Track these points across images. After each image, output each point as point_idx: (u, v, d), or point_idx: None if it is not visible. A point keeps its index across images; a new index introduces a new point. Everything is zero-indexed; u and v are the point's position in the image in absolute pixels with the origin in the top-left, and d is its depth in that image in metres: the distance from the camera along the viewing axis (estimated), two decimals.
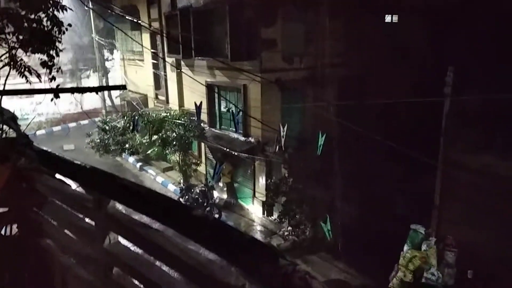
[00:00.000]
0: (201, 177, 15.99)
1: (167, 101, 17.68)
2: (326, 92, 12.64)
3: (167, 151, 15.75)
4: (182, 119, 14.93)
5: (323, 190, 11.38)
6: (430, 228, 9.97)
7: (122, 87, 4.15)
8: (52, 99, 2.86)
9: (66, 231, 2.65)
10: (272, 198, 12.49)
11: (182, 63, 15.73)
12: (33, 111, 16.66)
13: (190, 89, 15.79)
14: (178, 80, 16.49)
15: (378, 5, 12.86)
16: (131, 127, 14.33)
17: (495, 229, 8.60)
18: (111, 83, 23.88)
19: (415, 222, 9.82)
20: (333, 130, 10.72)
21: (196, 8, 13.78)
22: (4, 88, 3.21)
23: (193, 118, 15.12)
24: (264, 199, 13.12)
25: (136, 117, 13.74)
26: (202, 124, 14.79)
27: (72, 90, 3.38)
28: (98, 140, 15.97)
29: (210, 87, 14.43)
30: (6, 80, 3.19)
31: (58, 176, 2.67)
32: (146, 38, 18.26)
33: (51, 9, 3.33)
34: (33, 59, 4.17)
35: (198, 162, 16.05)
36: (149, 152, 16.44)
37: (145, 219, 1.99)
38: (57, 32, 3.35)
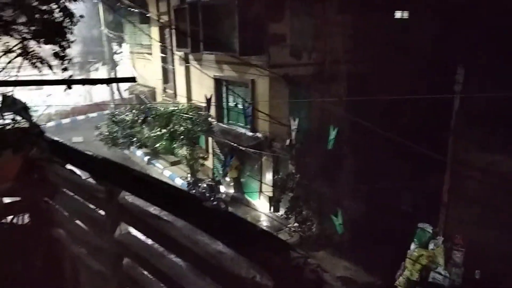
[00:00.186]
0: (208, 172, 16.03)
1: (175, 95, 17.72)
2: (335, 87, 12.57)
3: (174, 145, 15.79)
4: (190, 113, 14.96)
5: (331, 186, 11.36)
6: (438, 227, 9.91)
7: (132, 79, 4.16)
8: (65, 90, 2.88)
9: (77, 221, 2.67)
10: (279, 193, 12.48)
11: (191, 57, 15.73)
12: (47, 104, 16.79)
13: (198, 84, 15.81)
14: (186, 74, 16.50)
15: (388, 1, 12.73)
16: (140, 120, 14.39)
17: (504, 229, 8.51)
18: (119, 76, 23.97)
19: (423, 221, 9.78)
20: (341, 126, 10.67)
21: (205, 1, 13.75)
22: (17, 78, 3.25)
23: (201, 112, 15.14)
24: (271, 194, 13.12)
25: (147, 110, 13.77)
26: (209, 119, 14.80)
27: (83, 82, 3.41)
28: (107, 133, 16.06)
29: (218, 82, 14.43)
30: (18, 71, 3.22)
31: (69, 166, 2.69)
32: (155, 31, 18.28)
33: (62, 0, 3.35)
34: (43, 51, 4.20)
35: (206, 156, 16.08)
36: (157, 145, 16.50)
37: (155, 210, 2.00)
38: (69, 23, 3.37)
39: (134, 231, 2.22)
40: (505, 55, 8.78)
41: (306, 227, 11.67)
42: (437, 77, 9.88)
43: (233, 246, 1.68)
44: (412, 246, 9.65)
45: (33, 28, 3.21)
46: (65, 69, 3.27)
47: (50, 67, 3.27)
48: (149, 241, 2.13)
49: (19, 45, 3.20)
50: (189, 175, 15.30)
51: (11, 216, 2.91)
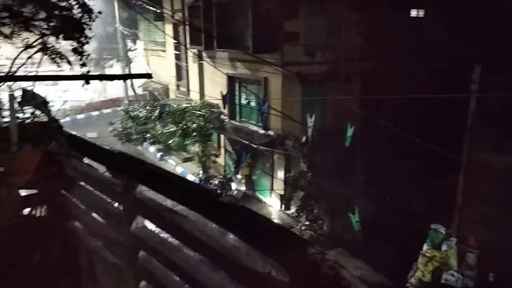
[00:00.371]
0: (220, 169, 16.09)
1: (188, 92, 17.80)
2: (348, 86, 12.49)
3: (187, 142, 15.89)
4: (203, 111, 15.02)
5: (344, 184, 11.29)
6: (451, 228, 9.78)
7: (148, 76, 4.20)
8: (83, 85, 2.93)
9: (93, 214, 2.71)
10: (290, 191, 12.46)
11: (204, 54, 15.78)
12: (63, 100, 17.05)
13: (211, 81, 15.85)
14: (200, 72, 16.56)
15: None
16: (155, 116, 14.50)
17: None
18: (133, 73, 24.18)
19: (436, 221, 9.66)
20: (356, 124, 10.59)
21: None
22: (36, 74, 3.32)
23: (214, 109, 15.19)
24: (282, 192, 13.11)
25: (162, 106, 13.87)
26: (222, 116, 14.85)
27: (100, 78, 3.45)
28: (121, 129, 16.24)
29: (231, 79, 14.45)
30: (38, 66, 3.28)
31: (86, 160, 2.73)
32: (169, 28, 18.37)
33: None
34: (61, 47, 4.27)
35: (218, 153, 16.14)
36: (169, 142, 16.62)
37: (171, 203, 2.02)
38: (87, 19, 3.41)
39: (150, 225, 2.24)
40: None
41: (317, 225, 11.63)
42: (453, 76, 9.74)
43: (249, 240, 1.68)
44: (425, 247, 9.54)
45: (52, 24, 3.26)
46: (83, 65, 3.32)
47: (69, 62, 3.32)
48: (165, 235, 2.15)
49: (39, 41, 3.26)
50: (201, 171, 15.38)
51: (29, 208, 2.96)
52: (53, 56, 3.28)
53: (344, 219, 10.53)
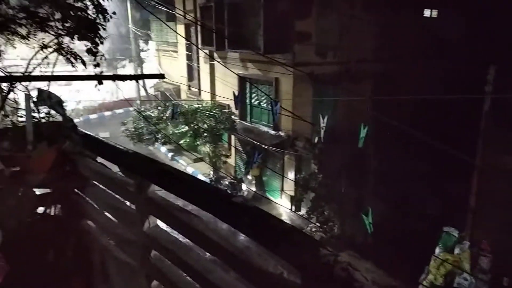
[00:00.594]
0: (231, 169, 16.11)
1: (199, 93, 17.88)
2: (360, 86, 12.40)
3: (198, 142, 15.95)
4: (214, 111, 15.07)
5: (355, 186, 11.22)
6: (464, 231, 9.65)
7: (161, 76, 4.23)
8: (96, 85, 2.96)
9: (106, 213, 2.74)
10: (301, 193, 12.42)
11: (215, 55, 15.83)
12: (76, 100, 17.29)
13: (222, 81, 15.89)
14: (211, 72, 16.63)
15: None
16: (166, 117, 14.58)
17: None
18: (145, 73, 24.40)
19: (449, 224, 9.53)
20: (368, 125, 10.51)
21: None
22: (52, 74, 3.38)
23: (224, 110, 15.22)
24: (292, 193, 13.08)
25: (175, 106, 13.94)
26: (232, 117, 14.87)
27: (113, 78, 3.49)
28: (133, 129, 16.38)
29: (242, 80, 14.47)
30: (54, 66, 3.33)
31: (99, 159, 2.76)
32: (180, 29, 18.48)
33: None
34: (74, 47, 4.34)
35: (228, 154, 16.17)
36: (181, 142, 16.70)
37: (183, 203, 2.02)
38: (102, 20, 3.46)
39: (162, 224, 2.26)
40: None
41: (328, 227, 11.57)
42: (467, 77, 9.61)
43: (261, 241, 1.67)
44: (437, 250, 9.43)
45: (67, 24, 3.31)
46: (97, 65, 3.36)
47: (84, 63, 3.36)
48: (177, 235, 2.16)
49: (54, 41, 3.31)
50: (211, 172, 15.42)
51: (43, 207, 3.00)
52: (68, 56, 3.34)
53: (355, 221, 10.45)
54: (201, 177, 16.29)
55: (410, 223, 9.91)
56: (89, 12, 3.49)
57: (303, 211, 12.62)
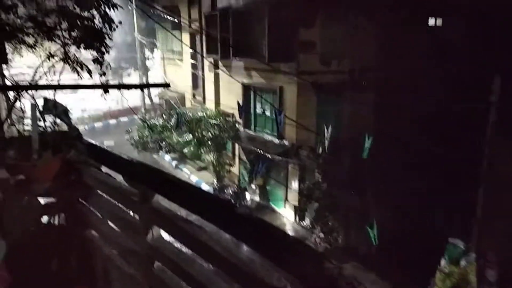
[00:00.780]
0: (234, 178, 16.10)
1: (204, 101, 17.96)
2: (364, 96, 12.39)
3: (202, 151, 15.99)
4: (218, 120, 15.11)
5: (359, 196, 11.14)
6: (470, 243, 9.53)
7: (166, 85, 4.26)
8: (101, 94, 2.98)
9: (110, 223, 2.73)
10: (305, 202, 12.36)
11: (220, 63, 15.93)
12: (81, 108, 17.45)
13: (226, 90, 15.96)
14: (215, 81, 16.72)
15: (421, 8, 12.47)
16: (171, 125, 14.65)
17: None
18: (151, 82, 24.58)
19: (455, 236, 9.42)
20: (372, 135, 10.48)
21: (236, 8, 13.92)
22: (58, 83, 3.41)
23: (229, 118, 15.26)
24: (296, 203, 13.02)
25: (180, 114, 14.02)
26: (236, 125, 14.90)
27: (119, 87, 3.51)
28: (137, 137, 16.45)
29: (246, 88, 14.53)
30: (60, 75, 3.36)
31: (104, 169, 2.76)
32: (186, 38, 18.63)
33: (102, 7, 3.49)
34: (81, 56, 4.39)
35: (232, 163, 16.17)
36: (185, 150, 16.74)
37: (187, 214, 2.02)
38: (108, 29, 3.49)
39: (165, 235, 2.24)
40: None
41: (332, 238, 11.48)
42: (472, 87, 9.58)
43: (265, 253, 1.66)
44: (443, 262, 9.31)
45: (74, 34, 3.34)
46: (103, 74, 3.38)
47: (90, 72, 3.39)
48: (181, 246, 2.15)
49: (61, 50, 3.34)
50: (215, 181, 15.42)
51: (48, 216, 3.01)
52: (74, 65, 3.37)
53: (360, 232, 10.38)
54: (204, 185, 16.29)
55: (415, 234, 9.81)
56: (96, 21, 3.53)
57: (307, 221, 12.55)
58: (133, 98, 24.98)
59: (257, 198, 15.04)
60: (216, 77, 16.65)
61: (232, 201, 13.39)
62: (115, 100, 25.98)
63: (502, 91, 9.12)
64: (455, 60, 11.28)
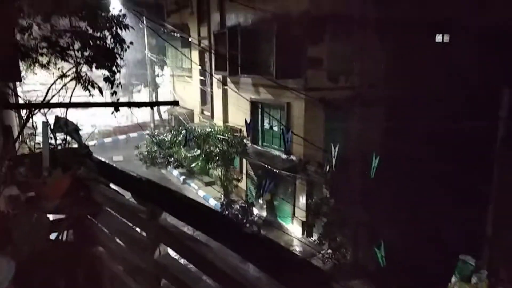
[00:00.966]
0: (242, 193, 16.07)
1: (212, 117, 18.10)
2: (372, 113, 12.39)
3: (210, 166, 16.03)
4: (226, 135, 15.19)
5: (367, 213, 11.02)
6: (482, 260, 9.35)
7: (175, 103, 4.33)
8: (112, 112, 3.04)
9: (117, 240, 2.75)
10: (312, 218, 12.27)
11: (228, 80, 16.10)
12: (91, 124, 17.67)
13: (234, 106, 16.09)
14: (224, 97, 16.88)
15: (428, 25, 12.54)
16: (180, 141, 14.75)
17: None
18: (160, 98, 24.89)
19: (465, 253, 9.25)
20: (380, 151, 10.43)
21: (244, 27, 14.15)
22: (70, 101, 3.49)
23: (236, 134, 15.34)
24: (304, 219, 12.93)
25: (188, 130, 14.13)
26: (244, 140, 14.95)
27: (129, 105, 3.58)
28: (146, 153, 16.57)
29: (254, 104, 14.63)
30: (72, 93, 3.44)
31: (113, 186, 2.80)
32: (195, 55, 18.92)
33: (114, 28, 3.59)
34: (92, 75, 4.49)
35: (239, 178, 16.17)
36: (193, 166, 16.80)
37: (194, 232, 2.03)
38: (119, 49, 3.58)
39: (173, 253, 2.25)
40: None
41: (340, 254, 11.34)
42: (481, 102, 9.55)
43: (271, 272, 1.66)
44: (453, 279, 9.12)
45: (86, 53, 3.43)
46: (114, 94, 3.45)
47: (101, 91, 3.46)
48: (187, 264, 2.15)
49: (73, 70, 3.42)
50: (223, 196, 15.40)
51: (56, 233, 3.03)
52: (86, 84, 3.45)
53: (368, 248, 10.24)
54: (212, 200, 16.28)
55: (426, 252, 9.65)
56: (107, 41, 3.62)
57: (315, 237, 12.43)
58: (142, 114, 25.30)
59: (264, 214, 14.97)
60: (225, 94, 16.81)
61: (240, 216, 13.33)
62: (124, 116, 26.33)
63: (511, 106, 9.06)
64: (464, 76, 11.28)
